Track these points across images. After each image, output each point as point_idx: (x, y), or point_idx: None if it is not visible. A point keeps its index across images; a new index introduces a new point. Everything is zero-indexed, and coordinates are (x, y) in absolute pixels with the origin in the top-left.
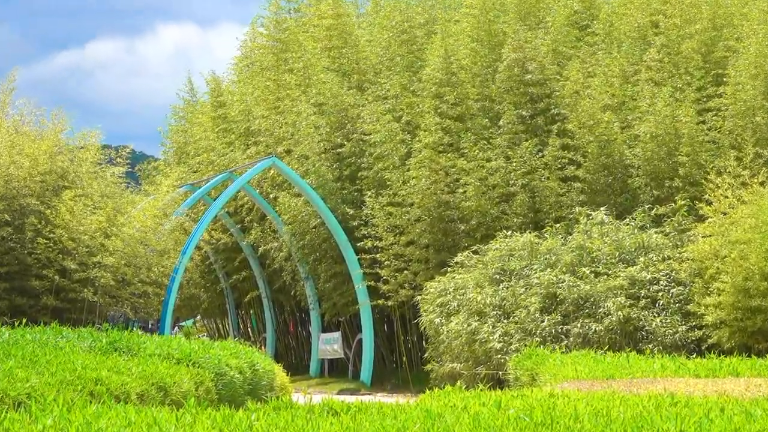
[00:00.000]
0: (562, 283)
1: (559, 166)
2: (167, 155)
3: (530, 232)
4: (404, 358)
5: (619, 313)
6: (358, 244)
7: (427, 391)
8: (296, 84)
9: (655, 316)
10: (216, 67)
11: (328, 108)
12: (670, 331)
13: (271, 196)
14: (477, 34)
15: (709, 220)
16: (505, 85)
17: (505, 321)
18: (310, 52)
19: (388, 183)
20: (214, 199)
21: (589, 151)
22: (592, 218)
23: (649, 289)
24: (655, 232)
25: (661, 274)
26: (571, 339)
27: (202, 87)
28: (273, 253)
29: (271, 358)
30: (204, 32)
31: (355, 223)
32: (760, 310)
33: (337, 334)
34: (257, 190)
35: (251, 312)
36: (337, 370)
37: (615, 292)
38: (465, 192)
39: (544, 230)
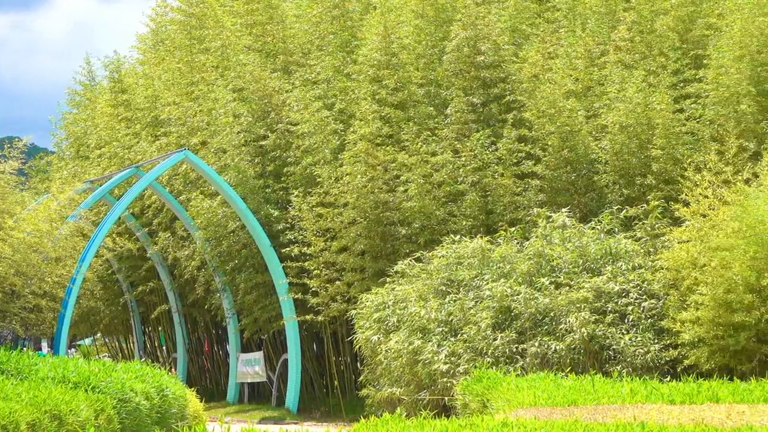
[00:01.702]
0: (518, 295)
1: (515, 161)
2: (61, 148)
3: (481, 237)
4: (336, 382)
5: (583, 329)
6: (284, 251)
7: (362, 420)
8: (213, 66)
9: (623, 334)
10: (121, 46)
11: (250, 94)
12: (641, 350)
13: (182, 196)
14: (422, 8)
15: (687, 223)
16: (453, 67)
17: (452, 339)
18: (229, 28)
19: (318, 180)
20: (118, 199)
21: (550, 143)
22: (553, 221)
23: (617, 302)
24: (625, 237)
25: (631, 285)
26: (528, 359)
27: (103, 68)
28: (185, 261)
29: (183, 381)
30: (108, 3)
31: (280, 227)
32: (744, 326)
33: (258, 355)
34: (167, 189)
35: (160, 329)
36: (258, 396)
37: (578, 305)
38: (406, 191)
39: (497, 235)
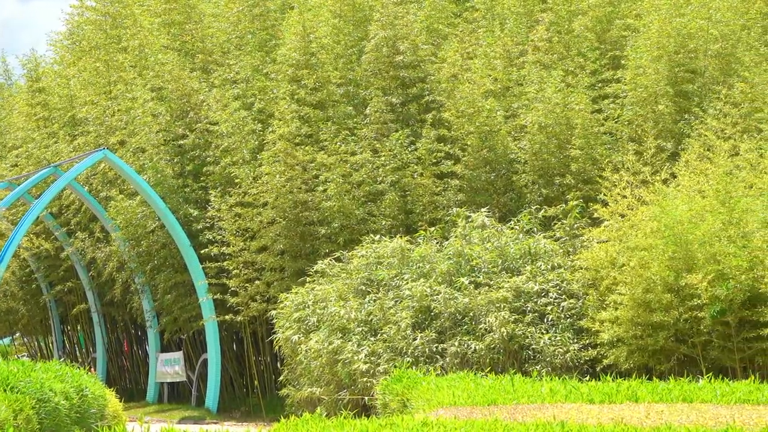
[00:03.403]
0: (438, 295)
1: (434, 160)
2: None
3: (401, 237)
4: (256, 382)
5: (503, 329)
6: (203, 251)
7: (282, 420)
8: (131, 65)
9: (543, 333)
10: (42, 45)
11: (168, 93)
12: (561, 350)
13: (102, 194)
14: (340, 8)
15: (605, 223)
16: (372, 67)
17: (372, 339)
18: (146, 28)
19: (237, 180)
20: (36, 198)
21: (469, 143)
22: (472, 221)
23: (536, 302)
24: (544, 237)
25: (550, 284)
26: (448, 359)
27: (20, 67)
28: (104, 260)
29: (102, 381)
30: (27, 2)
31: (199, 226)
32: (663, 326)
33: (178, 354)
34: (86, 188)
35: (79, 328)
36: (178, 396)
37: (497, 305)
38: (326, 190)
39: (416, 234)
